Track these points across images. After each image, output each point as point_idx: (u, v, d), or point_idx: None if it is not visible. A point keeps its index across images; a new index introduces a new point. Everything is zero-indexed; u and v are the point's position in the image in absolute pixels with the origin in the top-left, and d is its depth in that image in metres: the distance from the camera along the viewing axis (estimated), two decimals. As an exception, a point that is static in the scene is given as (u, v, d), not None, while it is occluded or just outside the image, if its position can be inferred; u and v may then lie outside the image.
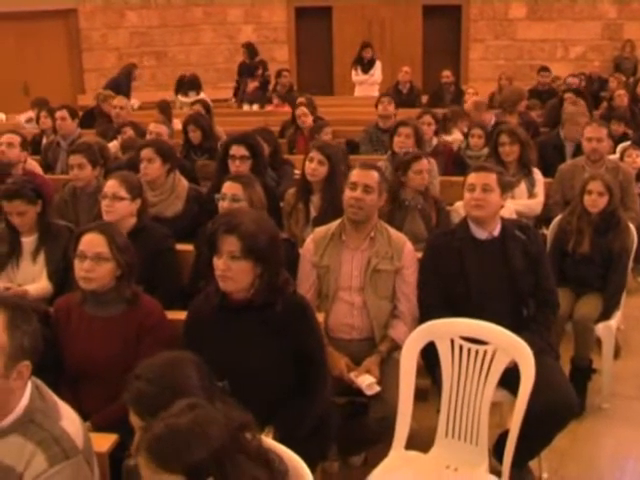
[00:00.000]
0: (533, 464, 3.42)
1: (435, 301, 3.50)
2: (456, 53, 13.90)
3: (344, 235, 3.58)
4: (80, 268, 2.92)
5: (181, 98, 10.69)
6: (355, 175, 3.58)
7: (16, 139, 5.50)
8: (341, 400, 3.35)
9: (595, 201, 4.29)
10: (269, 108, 10.21)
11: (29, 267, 4.03)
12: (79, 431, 2.05)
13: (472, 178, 3.57)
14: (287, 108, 9.71)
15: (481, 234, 3.56)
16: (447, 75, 10.11)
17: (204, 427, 1.72)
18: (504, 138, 5.33)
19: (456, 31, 13.89)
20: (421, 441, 3.17)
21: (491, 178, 3.54)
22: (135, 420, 2.02)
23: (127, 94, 10.48)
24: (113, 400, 2.87)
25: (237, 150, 4.57)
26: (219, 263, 2.66)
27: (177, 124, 7.60)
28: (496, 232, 3.57)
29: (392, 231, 3.63)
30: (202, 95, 10.41)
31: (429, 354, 3.16)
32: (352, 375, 3.31)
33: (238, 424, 1.83)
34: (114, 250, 2.93)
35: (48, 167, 6.73)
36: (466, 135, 6.33)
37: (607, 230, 4.32)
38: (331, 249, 3.56)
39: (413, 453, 3.01)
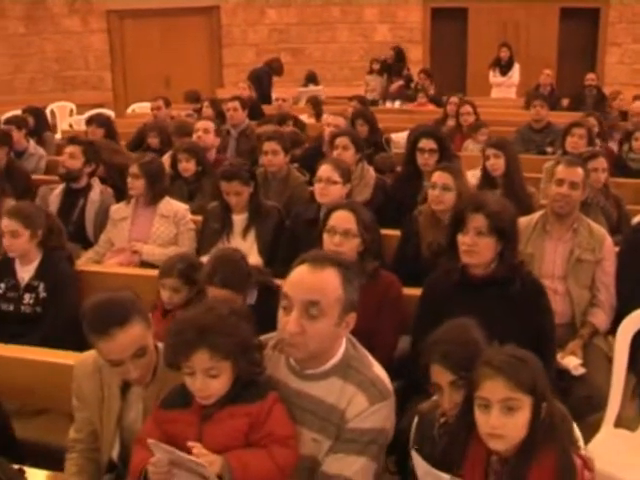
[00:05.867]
0: None
1: (634, 292, 3.65)
2: (592, 56, 13.71)
3: (548, 225, 3.81)
4: (330, 242, 3.20)
5: (300, 89, 11.48)
6: (562, 172, 3.79)
7: (211, 126, 5.85)
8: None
9: None
10: (410, 106, 10.43)
11: (240, 243, 4.32)
12: (387, 378, 2.30)
13: None
14: (430, 107, 9.99)
15: (679, 231, 3.73)
16: (592, 78, 10.00)
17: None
18: (682, 142, 5.39)
19: (593, 34, 13.72)
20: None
21: None
22: (442, 377, 2.25)
23: (268, 88, 10.99)
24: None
25: (426, 143, 4.82)
26: (466, 239, 2.93)
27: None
28: (694, 230, 3.73)
29: (593, 224, 3.83)
30: (315, 87, 11.39)
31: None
32: (557, 357, 3.52)
33: None
34: (361, 227, 3.22)
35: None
36: (629, 139, 6.39)
37: None
38: (535, 238, 3.78)
39: (622, 431, 3.20)
